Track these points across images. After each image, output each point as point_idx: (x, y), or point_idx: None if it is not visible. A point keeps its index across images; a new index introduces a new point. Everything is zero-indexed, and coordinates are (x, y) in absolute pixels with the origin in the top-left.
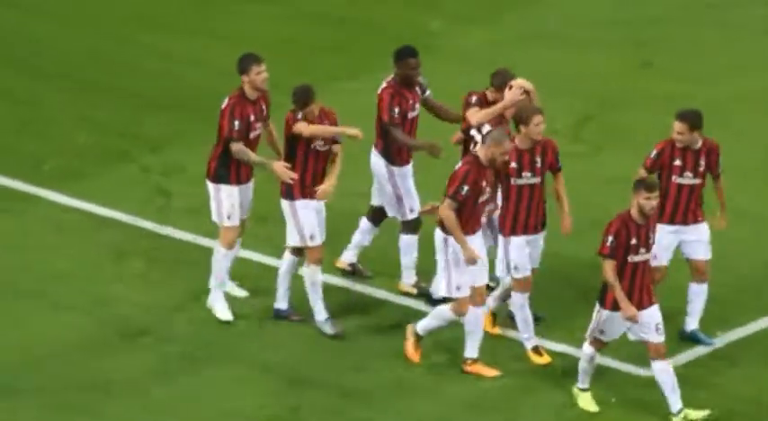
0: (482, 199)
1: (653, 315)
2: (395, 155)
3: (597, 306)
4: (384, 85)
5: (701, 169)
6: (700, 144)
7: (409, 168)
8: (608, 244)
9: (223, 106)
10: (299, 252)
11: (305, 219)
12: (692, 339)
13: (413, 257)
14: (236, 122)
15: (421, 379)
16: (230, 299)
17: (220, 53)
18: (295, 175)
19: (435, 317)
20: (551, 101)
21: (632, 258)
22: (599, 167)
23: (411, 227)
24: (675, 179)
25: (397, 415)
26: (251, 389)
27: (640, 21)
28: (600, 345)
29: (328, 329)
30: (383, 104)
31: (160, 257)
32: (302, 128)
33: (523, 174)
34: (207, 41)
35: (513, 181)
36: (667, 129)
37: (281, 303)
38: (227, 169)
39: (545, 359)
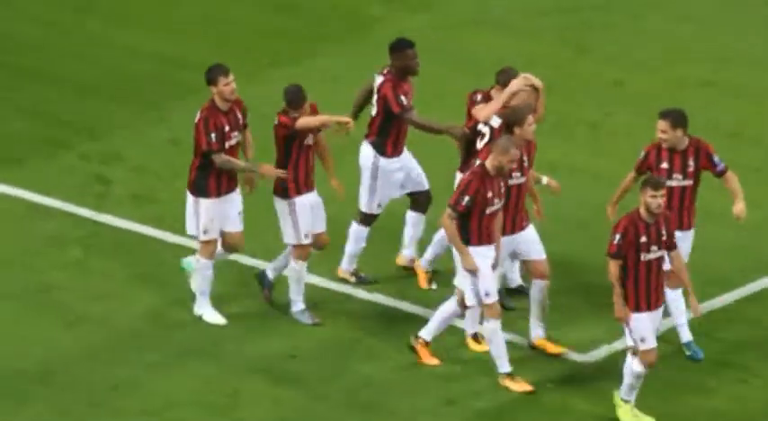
0: (490, 210)
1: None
2: (390, 145)
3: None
4: (381, 78)
5: (691, 170)
6: (686, 144)
7: (397, 161)
8: (615, 242)
9: (196, 120)
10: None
11: (301, 218)
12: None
13: (360, 247)
14: (213, 135)
15: (365, 366)
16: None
17: (161, 41)
18: (284, 172)
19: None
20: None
21: (645, 256)
22: (539, 154)
23: (367, 221)
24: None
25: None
26: (191, 374)
27: (582, 7)
28: (651, 359)
29: (307, 319)
30: (389, 96)
31: (98, 245)
32: (301, 122)
33: (514, 174)
34: (148, 29)
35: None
36: (610, 116)
37: (298, 305)
38: (207, 181)
39: (481, 347)
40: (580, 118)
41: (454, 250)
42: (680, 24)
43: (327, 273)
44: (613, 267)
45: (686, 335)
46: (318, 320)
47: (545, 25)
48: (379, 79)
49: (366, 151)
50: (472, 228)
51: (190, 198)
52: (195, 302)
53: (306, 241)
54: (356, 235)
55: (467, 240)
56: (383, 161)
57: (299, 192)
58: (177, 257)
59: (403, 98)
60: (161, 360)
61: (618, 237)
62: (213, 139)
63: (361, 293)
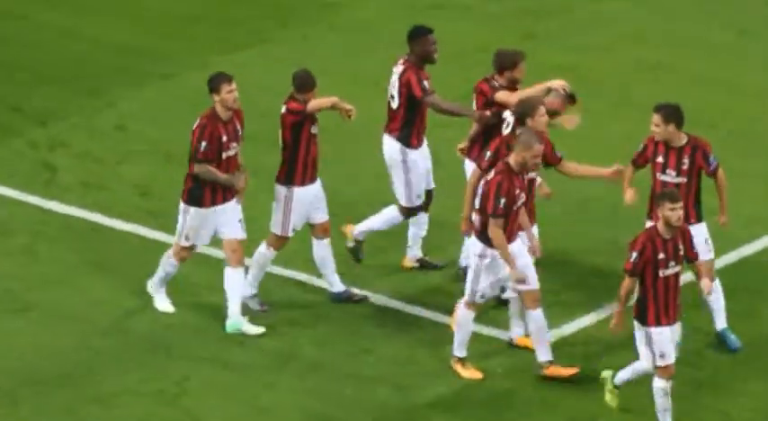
0: (517, 206)
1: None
2: (415, 137)
3: (638, 327)
4: (402, 66)
5: (685, 167)
6: (684, 142)
7: (422, 151)
8: (632, 260)
9: (194, 126)
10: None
11: (295, 211)
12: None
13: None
14: (204, 143)
15: (309, 350)
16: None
17: (111, 28)
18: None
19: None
20: (446, 72)
21: (663, 272)
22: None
23: (410, 213)
24: (659, 176)
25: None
26: (140, 362)
27: None
28: (670, 373)
29: (255, 305)
30: (413, 82)
31: (46, 232)
32: (313, 104)
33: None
34: (98, 16)
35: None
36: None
37: (337, 286)
38: (202, 190)
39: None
40: None
41: (476, 249)
42: (635, 8)
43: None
44: (629, 284)
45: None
46: (266, 308)
47: (501, 10)
48: (398, 69)
49: (392, 145)
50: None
51: (181, 205)
52: (151, 281)
53: (289, 235)
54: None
55: (488, 240)
56: (412, 153)
57: (302, 183)
58: (126, 244)
59: (426, 82)
60: (110, 347)
61: (635, 254)
62: (203, 148)
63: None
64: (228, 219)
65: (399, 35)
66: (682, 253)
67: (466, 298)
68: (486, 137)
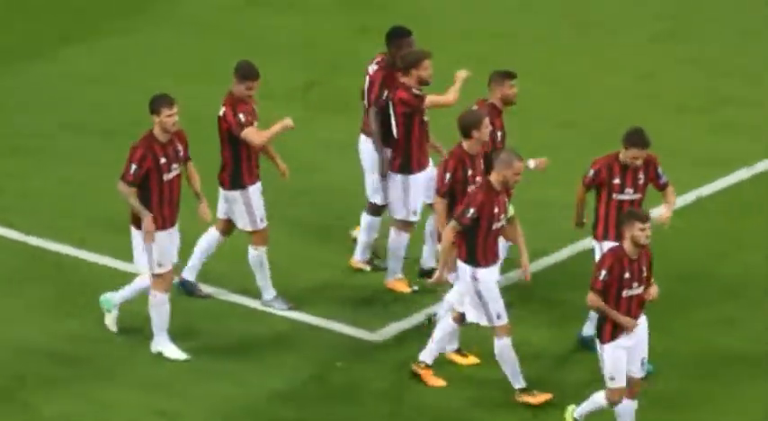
0: (496, 226)
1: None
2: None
3: (598, 346)
4: (375, 67)
5: (641, 183)
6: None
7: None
8: (601, 278)
9: (130, 148)
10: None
11: (257, 204)
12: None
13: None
14: (133, 166)
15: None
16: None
17: None
18: (151, 232)
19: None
20: (273, 65)
21: (626, 293)
22: (323, 133)
23: (376, 211)
24: (616, 196)
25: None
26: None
27: None
28: (616, 398)
29: (280, 305)
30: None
31: None
32: (254, 138)
33: (477, 179)
34: None
35: (468, 188)
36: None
37: (191, 274)
38: (154, 215)
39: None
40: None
41: (465, 275)
42: (464, 3)
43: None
44: (595, 298)
45: None
46: (293, 304)
47: (328, 4)
48: (372, 67)
49: (369, 146)
50: (478, 245)
51: (136, 234)
52: (153, 339)
53: (262, 225)
54: (369, 225)
55: (473, 260)
56: (388, 150)
57: (252, 181)
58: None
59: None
60: None
61: (604, 273)
62: (132, 170)
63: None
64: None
65: (225, 30)
66: (645, 274)
67: (495, 326)
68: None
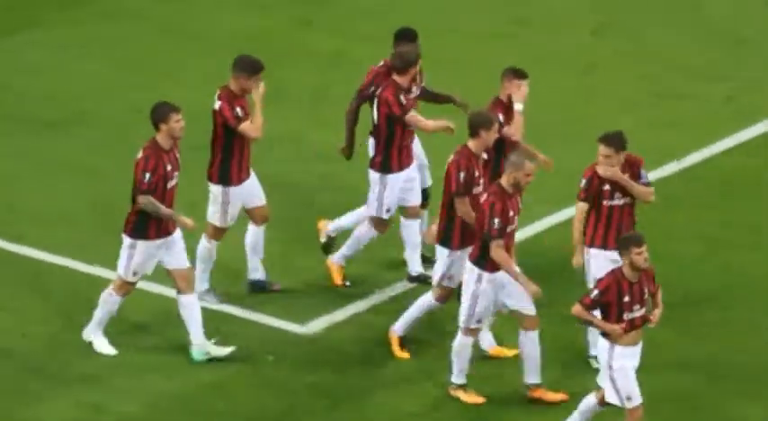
0: (510, 229)
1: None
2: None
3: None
4: (380, 64)
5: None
6: (621, 163)
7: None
8: (592, 297)
9: (137, 158)
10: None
11: (234, 205)
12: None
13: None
14: (147, 175)
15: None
16: None
17: None
18: (193, 226)
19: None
20: (209, 60)
21: (627, 315)
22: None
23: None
24: (606, 203)
25: None
26: None
27: None
28: (639, 416)
29: (211, 299)
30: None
31: None
32: (251, 132)
33: (482, 181)
34: None
35: (474, 190)
36: (327, 86)
37: (257, 275)
38: (147, 224)
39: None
40: (305, 87)
41: (471, 274)
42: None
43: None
44: (580, 312)
45: None
46: (225, 298)
47: None
48: (375, 67)
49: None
50: (489, 250)
51: (127, 240)
52: (87, 326)
53: (228, 224)
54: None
55: (483, 265)
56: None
57: (239, 181)
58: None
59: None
60: None
61: (596, 293)
62: (146, 179)
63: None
64: (174, 250)
65: (173, 26)
66: (646, 295)
67: (462, 324)
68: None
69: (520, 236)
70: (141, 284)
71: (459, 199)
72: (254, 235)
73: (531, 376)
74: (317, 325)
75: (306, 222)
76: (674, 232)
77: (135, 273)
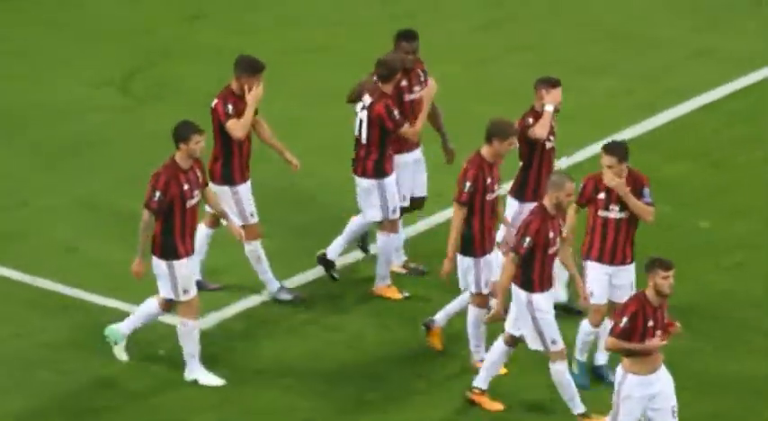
0: (552, 250)
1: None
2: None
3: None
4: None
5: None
6: (626, 174)
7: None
8: (622, 325)
9: (153, 173)
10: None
11: (246, 200)
12: (598, 376)
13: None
14: (158, 193)
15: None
16: None
17: None
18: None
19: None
20: (101, 52)
21: (649, 341)
22: (148, 121)
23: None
24: (601, 213)
25: None
26: None
27: None
28: None
29: (286, 296)
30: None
31: None
32: (235, 130)
33: (496, 187)
34: None
35: (487, 197)
36: (218, 81)
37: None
38: (174, 241)
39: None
40: (195, 84)
41: (521, 302)
42: None
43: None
44: (617, 344)
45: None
46: (300, 294)
47: None
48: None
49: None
50: (535, 272)
51: (161, 263)
52: (186, 367)
53: (253, 220)
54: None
55: (530, 286)
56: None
57: (243, 179)
58: None
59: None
60: None
61: (626, 320)
62: (156, 197)
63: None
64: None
65: (56, 19)
66: (666, 320)
67: (550, 351)
68: (525, 170)
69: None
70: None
71: (456, 205)
72: (202, 236)
73: (573, 406)
74: (208, 320)
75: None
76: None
77: (186, 291)
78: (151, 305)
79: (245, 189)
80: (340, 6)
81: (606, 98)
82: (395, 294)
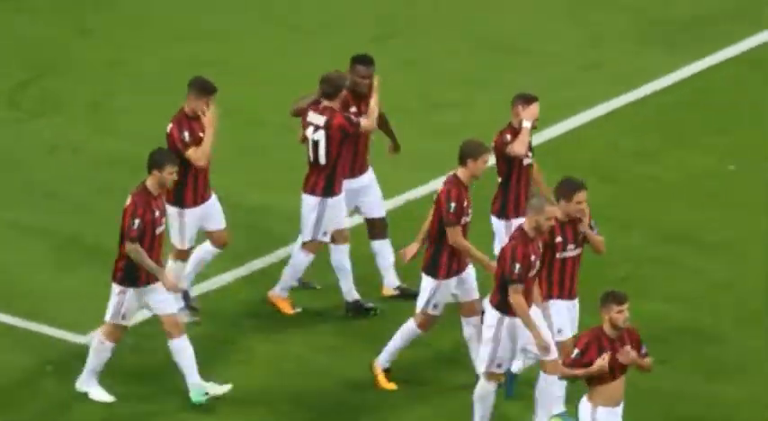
0: (533, 273)
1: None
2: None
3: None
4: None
5: (581, 237)
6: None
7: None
8: (573, 356)
9: (127, 204)
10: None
11: (191, 227)
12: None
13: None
14: (137, 221)
15: None
16: None
17: None
18: (179, 290)
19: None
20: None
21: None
22: (36, 135)
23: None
24: (558, 255)
25: None
26: None
27: None
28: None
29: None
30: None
31: None
32: (197, 158)
33: (470, 210)
34: None
35: (462, 220)
36: (106, 95)
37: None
38: (137, 270)
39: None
40: (81, 98)
41: (492, 319)
42: (185, 4)
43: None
44: (565, 371)
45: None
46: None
47: (43, 5)
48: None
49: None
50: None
51: (116, 287)
52: (80, 377)
53: (188, 246)
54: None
55: (505, 309)
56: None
57: (195, 203)
58: None
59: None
60: None
61: (577, 352)
62: (135, 226)
63: None
64: (162, 296)
65: None
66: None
67: (484, 369)
68: (504, 187)
69: None
70: None
71: (450, 229)
72: (205, 252)
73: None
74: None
75: (84, 231)
76: None
77: (124, 317)
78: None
79: (192, 215)
80: (226, 22)
81: (492, 112)
82: (287, 308)
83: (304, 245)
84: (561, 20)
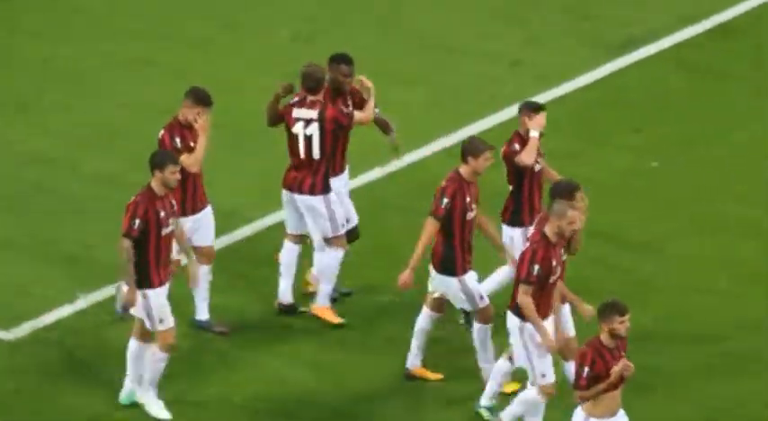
0: (553, 279)
1: None
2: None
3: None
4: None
5: (564, 259)
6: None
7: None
8: (585, 375)
9: (129, 202)
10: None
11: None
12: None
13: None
14: (137, 221)
15: None
16: None
17: None
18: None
19: (521, 403)
20: None
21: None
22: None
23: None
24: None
25: None
26: None
27: None
28: None
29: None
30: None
31: None
32: (190, 164)
33: (474, 206)
34: None
35: (467, 216)
36: (40, 92)
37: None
38: (149, 271)
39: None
40: (12, 96)
41: (513, 328)
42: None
43: None
44: (586, 394)
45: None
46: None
47: None
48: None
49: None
50: (535, 300)
51: (138, 294)
52: (139, 388)
53: (178, 257)
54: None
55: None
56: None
57: (193, 212)
58: None
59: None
60: None
61: (587, 370)
62: (135, 225)
63: None
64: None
65: None
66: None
67: (536, 383)
68: (516, 195)
69: None
70: None
71: (432, 219)
72: (203, 274)
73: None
74: (21, 330)
75: (22, 226)
76: (386, 234)
77: (162, 321)
78: (132, 346)
79: (188, 223)
80: (162, 20)
81: (422, 109)
82: (334, 318)
83: (328, 242)
84: (489, 17)
